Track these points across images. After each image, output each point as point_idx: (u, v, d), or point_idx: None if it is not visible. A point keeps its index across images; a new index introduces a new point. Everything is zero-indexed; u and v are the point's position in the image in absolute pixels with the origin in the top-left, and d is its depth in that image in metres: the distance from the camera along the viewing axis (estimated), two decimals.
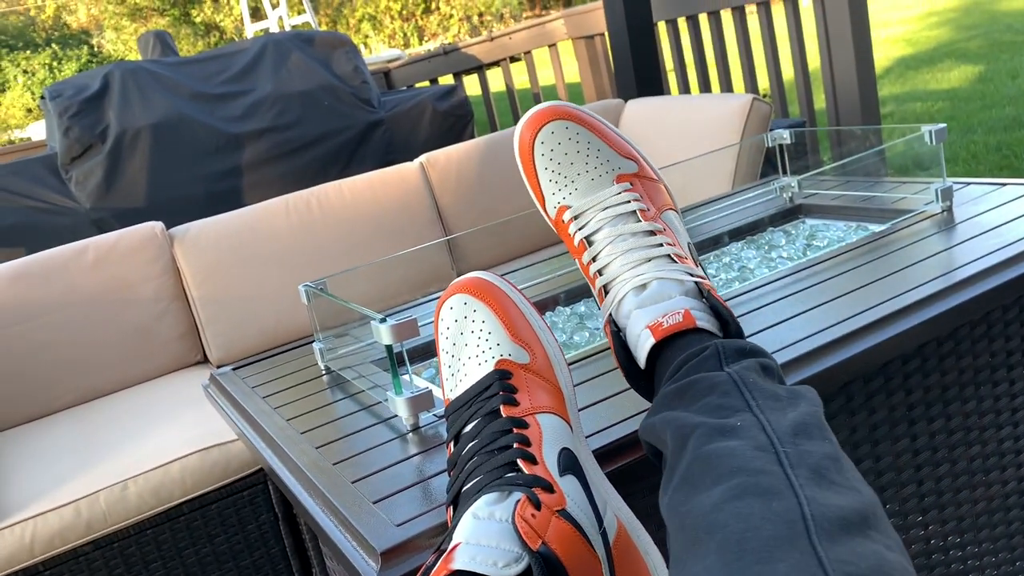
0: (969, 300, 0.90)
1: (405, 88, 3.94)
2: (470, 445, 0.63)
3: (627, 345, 0.72)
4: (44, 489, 1.57)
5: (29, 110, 15.95)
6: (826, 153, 3.09)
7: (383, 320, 0.83)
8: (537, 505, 0.57)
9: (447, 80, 4.09)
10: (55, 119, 2.70)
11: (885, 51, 7.53)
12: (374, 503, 0.73)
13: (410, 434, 0.86)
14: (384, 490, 0.76)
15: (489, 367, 0.66)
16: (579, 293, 1.21)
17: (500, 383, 0.65)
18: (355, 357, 1.11)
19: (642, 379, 0.73)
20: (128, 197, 2.70)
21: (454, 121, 3.22)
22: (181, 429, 1.70)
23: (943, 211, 1.15)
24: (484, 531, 0.56)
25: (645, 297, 0.71)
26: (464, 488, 0.61)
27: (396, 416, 0.91)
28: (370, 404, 0.97)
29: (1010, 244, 0.98)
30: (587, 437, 0.76)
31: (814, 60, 2.89)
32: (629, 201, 0.76)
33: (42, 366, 1.97)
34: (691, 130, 2.27)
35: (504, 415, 0.63)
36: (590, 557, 0.58)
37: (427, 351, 1.10)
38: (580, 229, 0.76)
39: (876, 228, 1.18)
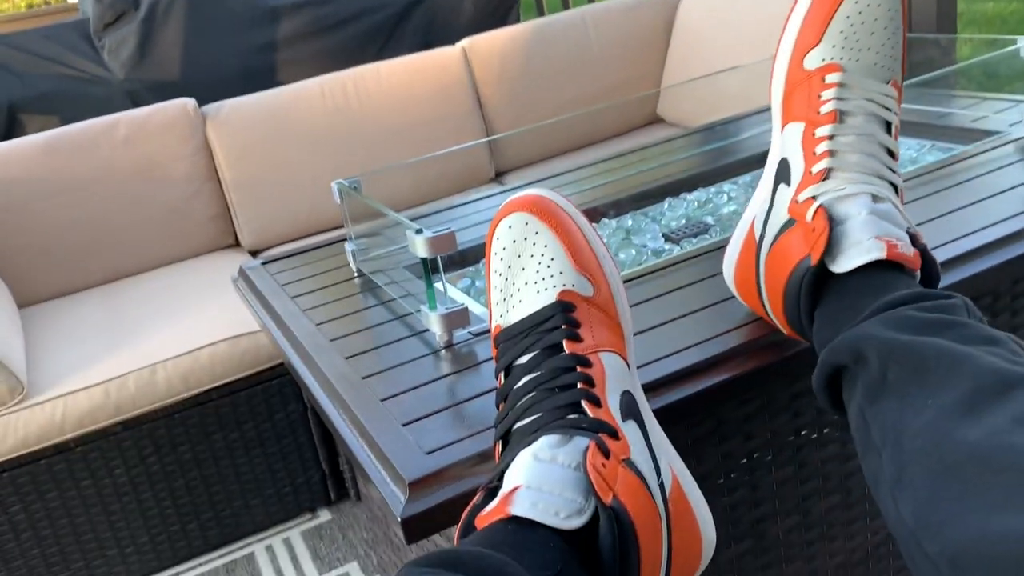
0: None
1: None
2: (527, 378, 0.58)
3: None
4: (74, 367, 1.58)
5: None
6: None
7: (419, 231, 0.77)
8: (606, 453, 0.53)
9: None
10: None
11: None
12: (403, 425, 0.70)
13: (443, 351, 0.82)
14: (415, 412, 0.72)
15: (550, 296, 0.60)
16: (626, 205, 1.14)
17: (563, 315, 0.59)
18: (388, 260, 1.06)
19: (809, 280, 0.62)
20: (162, 69, 2.63)
21: (498, 3, 3.07)
22: (211, 315, 1.68)
23: None
24: (546, 476, 0.52)
25: (878, 210, 0.63)
26: (518, 424, 0.56)
27: (429, 330, 0.87)
28: (402, 314, 0.92)
29: None
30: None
31: None
32: (891, 110, 0.67)
33: (72, 242, 1.96)
34: (751, 26, 2.14)
35: (567, 351, 0.58)
36: (653, 511, 0.54)
37: (462, 260, 1.06)
38: (840, 100, 0.66)
39: (952, 149, 1.09)
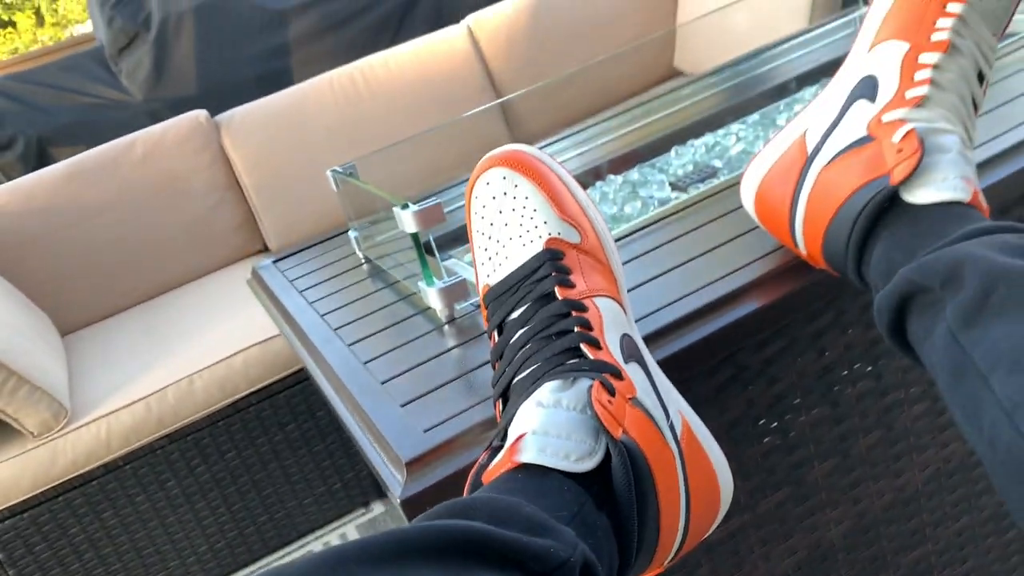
0: None
1: None
2: (521, 331, 0.55)
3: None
4: (115, 387, 1.60)
5: None
6: None
7: (405, 206, 0.75)
8: (611, 391, 0.50)
9: None
10: (96, 9, 2.63)
11: None
12: (402, 406, 0.68)
13: (446, 326, 0.80)
14: (415, 391, 0.70)
15: (537, 247, 0.58)
16: (631, 159, 1.10)
17: (552, 263, 0.57)
18: (393, 244, 1.04)
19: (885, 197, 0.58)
20: (179, 85, 2.65)
21: None
22: (243, 321, 1.69)
23: None
24: (552, 420, 0.49)
25: (967, 155, 0.59)
26: (517, 378, 0.54)
27: (432, 308, 0.84)
28: (408, 294, 0.90)
29: None
30: (636, 321, 0.68)
31: None
32: (990, 63, 0.63)
33: (105, 265, 1.98)
34: None
35: (560, 297, 0.56)
36: (665, 449, 0.52)
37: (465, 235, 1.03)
38: (956, 34, 0.61)
39: None
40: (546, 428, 0.49)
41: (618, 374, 0.52)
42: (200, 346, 1.64)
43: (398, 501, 0.59)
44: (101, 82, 2.60)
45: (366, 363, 0.77)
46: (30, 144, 2.49)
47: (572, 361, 0.53)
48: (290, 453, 1.67)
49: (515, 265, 0.58)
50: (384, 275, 0.99)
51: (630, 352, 0.56)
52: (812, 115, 0.67)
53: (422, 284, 0.80)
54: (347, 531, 1.73)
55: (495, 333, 0.58)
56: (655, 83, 2.40)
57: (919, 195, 0.56)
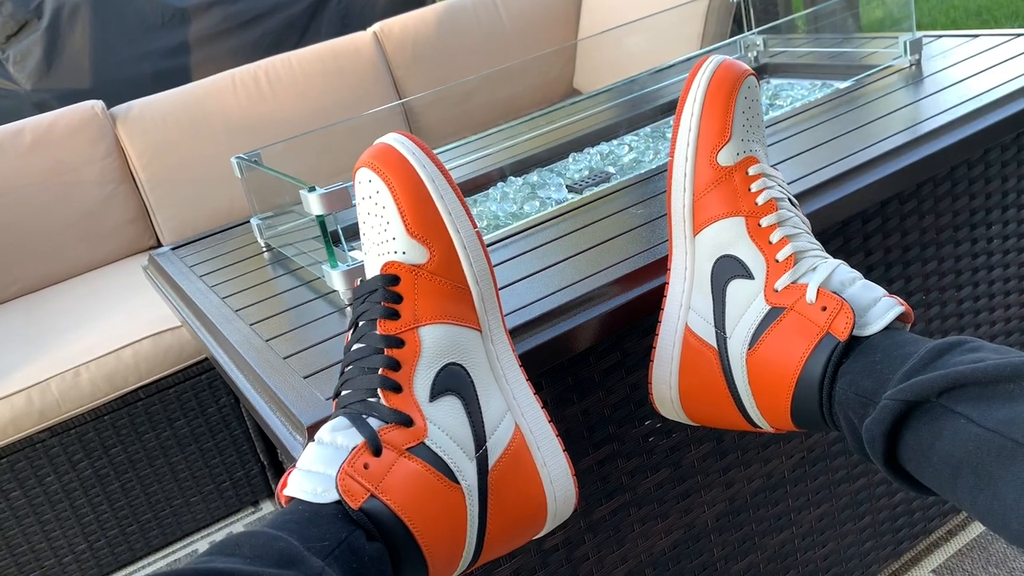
0: (932, 154, 0.86)
1: None
2: (355, 346, 0.58)
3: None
4: None
5: None
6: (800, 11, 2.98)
7: (312, 189, 0.78)
8: (376, 450, 0.53)
9: None
10: None
11: None
12: (305, 378, 0.70)
13: (348, 308, 0.82)
14: (317, 364, 0.72)
15: (378, 266, 0.59)
16: (531, 162, 1.15)
17: (384, 291, 0.58)
18: (297, 233, 1.06)
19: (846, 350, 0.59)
20: (71, 77, 2.57)
21: None
22: (133, 314, 1.65)
23: (911, 65, 1.10)
24: (319, 456, 0.53)
25: (857, 276, 0.63)
26: (341, 392, 0.58)
27: (335, 291, 0.87)
28: (310, 280, 0.92)
29: (977, 96, 0.93)
30: (514, 312, 0.72)
31: None
32: (784, 187, 0.69)
33: None
34: None
35: (379, 332, 0.57)
36: (442, 492, 0.54)
37: None
38: (769, 189, 0.66)
39: (842, 85, 1.12)
40: (311, 464, 0.53)
41: (407, 422, 0.54)
42: (88, 338, 1.60)
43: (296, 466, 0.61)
44: None
45: (268, 340, 0.79)
46: None
47: (372, 400, 0.55)
48: (178, 450, 1.64)
49: (368, 274, 0.60)
50: (286, 262, 1.00)
51: (448, 385, 0.57)
52: (678, 308, 0.69)
53: (326, 267, 0.83)
54: (235, 529, 1.71)
55: (351, 331, 0.60)
56: (556, 100, 2.48)
57: (870, 328, 0.58)
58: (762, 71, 1.30)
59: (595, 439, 0.79)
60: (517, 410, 0.60)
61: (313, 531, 0.50)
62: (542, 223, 0.91)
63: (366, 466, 0.53)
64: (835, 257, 0.66)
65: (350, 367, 0.57)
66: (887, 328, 0.59)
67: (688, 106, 0.68)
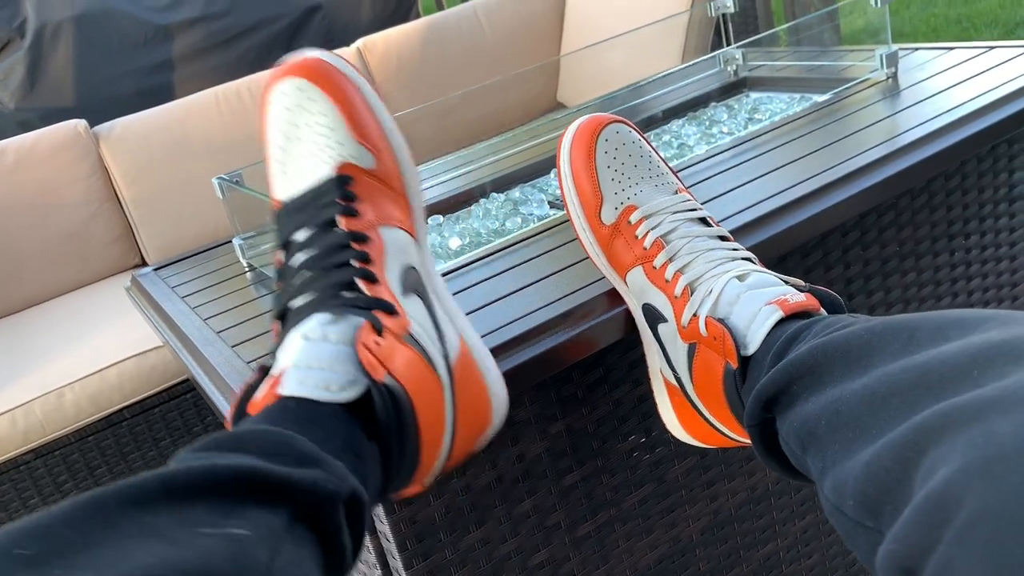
0: (909, 167, 0.86)
1: None
2: (302, 256, 0.55)
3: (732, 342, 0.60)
4: None
5: None
6: (781, 26, 3.01)
7: None
8: (379, 331, 0.51)
9: None
10: None
11: None
12: None
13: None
14: None
15: (328, 168, 0.57)
16: (514, 179, 1.16)
17: (340, 190, 0.56)
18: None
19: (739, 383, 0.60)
20: (54, 96, 2.57)
21: (396, 4, 3.07)
22: (118, 334, 1.65)
23: (888, 78, 1.11)
24: (315, 353, 0.50)
25: (750, 283, 0.61)
26: (293, 303, 0.54)
27: None
28: None
29: (953, 108, 0.94)
30: (497, 329, 0.72)
31: None
32: (696, 209, 0.68)
33: None
34: (638, 6, 2.18)
35: (343, 228, 0.55)
36: (433, 381, 0.54)
37: None
38: (654, 228, 0.67)
39: (820, 98, 1.13)
40: (308, 361, 0.49)
41: (392, 310, 0.53)
42: (72, 358, 1.59)
43: None
44: None
45: (250, 363, 0.79)
46: None
47: (348, 294, 0.53)
48: None
49: (307, 184, 0.58)
50: (268, 282, 1.00)
51: (411, 285, 0.57)
52: (650, 359, 0.72)
53: None
54: None
55: (282, 251, 0.57)
56: (540, 114, 2.49)
57: (750, 349, 0.58)
58: (741, 84, 1.31)
59: (579, 455, 0.80)
60: (458, 323, 0.61)
61: (316, 431, 0.46)
62: (525, 239, 0.91)
63: (377, 343, 0.50)
64: (815, 275, 0.66)
65: (306, 272, 0.54)
66: (774, 328, 0.57)
67: (564, 179, 0.71)
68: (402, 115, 2.29)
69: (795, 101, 1.19)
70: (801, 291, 0.60)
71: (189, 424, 1.63)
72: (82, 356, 1.59)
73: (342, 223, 0.55)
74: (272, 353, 0.52)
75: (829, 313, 0.60)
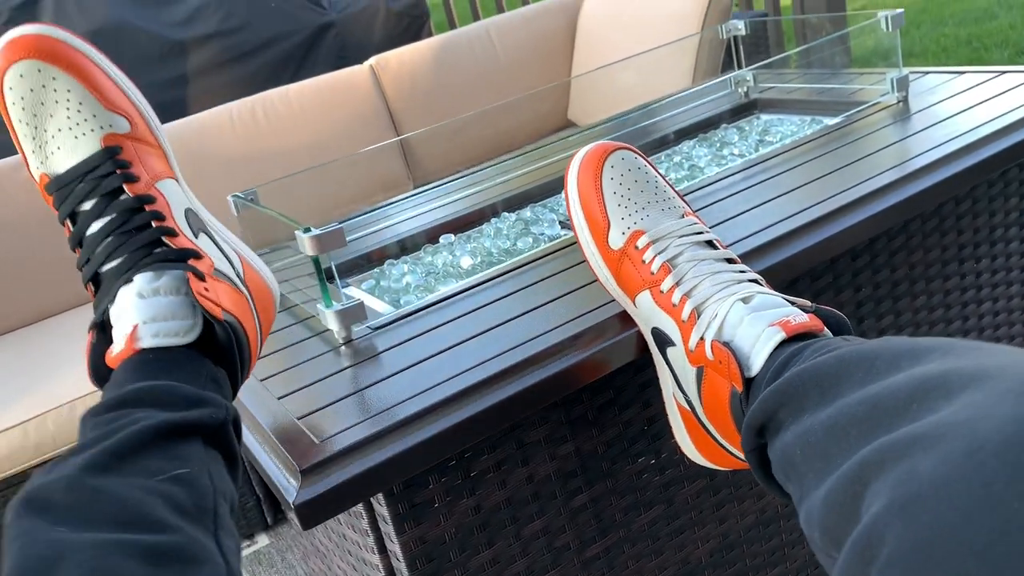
0: (920, 192, 0.87)
1: None
2: (98, 225, 0.61)
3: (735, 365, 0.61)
4: None
5: None
6: (792, 48, 3.02)
7: (307, 230, 0.78)
8: (201, 276, 0.60)
9: None
10: None
11: None
12: (299, 419, 0.70)
13: (343, 347, 0.83)
14: (311, 405, 0.73)
15: (92, 141, 0.62)
16: (524, 199, 1.16)
17: (113, 160, 0.62)
18: (292, 270, 1.06)
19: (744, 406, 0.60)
20: None
21: (409, 22, 3.10)
22: None
23: (899, 101, 1.11)
24: (156, 308, 0.58)
25: (754, 305, 0.62)
26: (106, 267, 0.60)
27: (330, 330, 0.87)
28: (306, 317, 0.93)
29: (964, 133, 0.95)
30: (508, 351, 0.73)
31: None
32: (702, 232, 0.69)
33: None
34: (649, 26, 2.19)
35: (131, 193, 0.61)
36: (244, 302, 0.64)
37: (365, 261, 1.06)
38: (661, 253, 0.68)
39: (831, 121, 1.14)
40: (153, 315, 0.58)
41: (197, 255, 0.62)
42: (84, 372, 1.60)
43: (292, 507, 0.62)
44: None
45: (262, 380, 0.80)
46: None
47: (158, 251, 0.60)
48: None
49: (74, 158, 0.61)
50: (282, 299, 1.01)
51: (197, 225, 0.65)
52: (663, 383, 0.73)
53: (320, 306, 0.83)
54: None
55: (68, 222, 0.63)
56: (550, 132, 2.50)
57: (753, 371, 0.58)
58: (752, 106, 1.32)
59: (589, 477, 0.80)
60: (225, 237, 0.70)
61: (182, 374, 0.57)
62: (536, 259, 0.92)
63: (207, 289, 0.60)
64: (824, 297, 0.66)
65: (109, 238, 0.60)
66: (776, 350, 0.58)
67: (571, 205, 0.74)
68: (415, 134, 2.30)
69: (806, 124, 1.20)
70: (806, 311, 0.61)
71: None
72: None
73: (128, 189, 0.62)
74: (100, 312, 0.60)
75: (835, 334, 0.61)
